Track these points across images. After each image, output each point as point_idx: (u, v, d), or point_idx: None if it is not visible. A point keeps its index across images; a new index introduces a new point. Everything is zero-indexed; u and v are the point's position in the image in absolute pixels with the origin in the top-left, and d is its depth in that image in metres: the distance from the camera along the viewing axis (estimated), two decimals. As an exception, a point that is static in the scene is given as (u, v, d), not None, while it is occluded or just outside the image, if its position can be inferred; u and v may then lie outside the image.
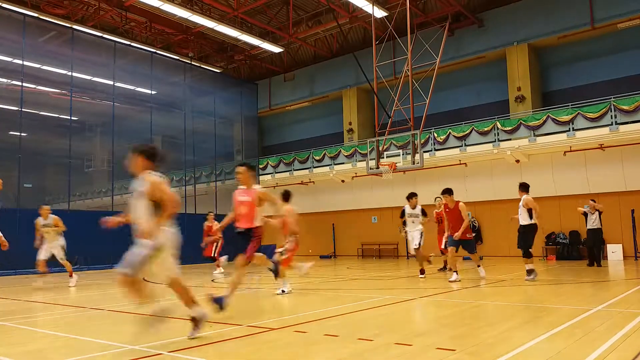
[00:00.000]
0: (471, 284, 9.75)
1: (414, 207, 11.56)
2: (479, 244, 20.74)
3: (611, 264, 14.74)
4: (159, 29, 23.21)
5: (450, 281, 9.96)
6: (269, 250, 26.69)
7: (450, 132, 20.11)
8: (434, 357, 3.86)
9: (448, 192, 10.61)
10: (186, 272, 15.57)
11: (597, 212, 13.60)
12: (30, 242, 16.35)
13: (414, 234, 11.55)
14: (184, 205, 22.43)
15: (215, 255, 14.42)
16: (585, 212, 13.85)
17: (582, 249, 17.50)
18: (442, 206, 11.49)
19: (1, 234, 8.55)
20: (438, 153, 20.38)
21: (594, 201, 13.94)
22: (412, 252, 12.18)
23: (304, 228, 28.66)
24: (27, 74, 18.13)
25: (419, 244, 11.44)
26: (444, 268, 13.18)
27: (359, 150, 22.57)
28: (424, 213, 11.68)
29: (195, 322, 4.74)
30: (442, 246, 12.47)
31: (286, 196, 9.17)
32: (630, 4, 18.06)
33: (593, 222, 13.58)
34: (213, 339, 4.75)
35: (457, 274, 10.22)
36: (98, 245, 16.85)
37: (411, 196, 11.68)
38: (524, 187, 10.49)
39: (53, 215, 11.05)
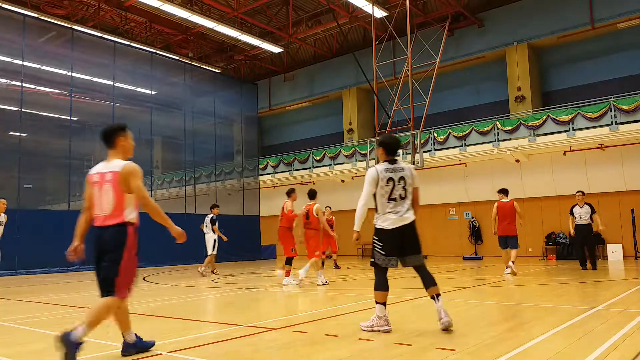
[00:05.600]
0: (471, 283, 9.75)
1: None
2: (479, 244, 20.75)
3: (611, 264, 14.73)
4: (159, 29, 23.23)
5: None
6: (268, 251, 26.31)
7: (450, 132, 20.11)
8: (434, 357, 3.86)
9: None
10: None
11: (586, 206, 12.49)
12: (30, 243, 16.46)
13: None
14: (184, 206, 22.42)
15: None
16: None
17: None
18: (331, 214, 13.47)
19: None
20: (438, 153, 20.37)
21: (582, 192, 12.85)
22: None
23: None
24: (27, 74, 18.10)
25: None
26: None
27: (359, 150, 22.56)
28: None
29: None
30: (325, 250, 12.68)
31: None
32: (630, 4, 18.08)
33: (581, 217, 12.47)
34: (213, 339, 4.75)
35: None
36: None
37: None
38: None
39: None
